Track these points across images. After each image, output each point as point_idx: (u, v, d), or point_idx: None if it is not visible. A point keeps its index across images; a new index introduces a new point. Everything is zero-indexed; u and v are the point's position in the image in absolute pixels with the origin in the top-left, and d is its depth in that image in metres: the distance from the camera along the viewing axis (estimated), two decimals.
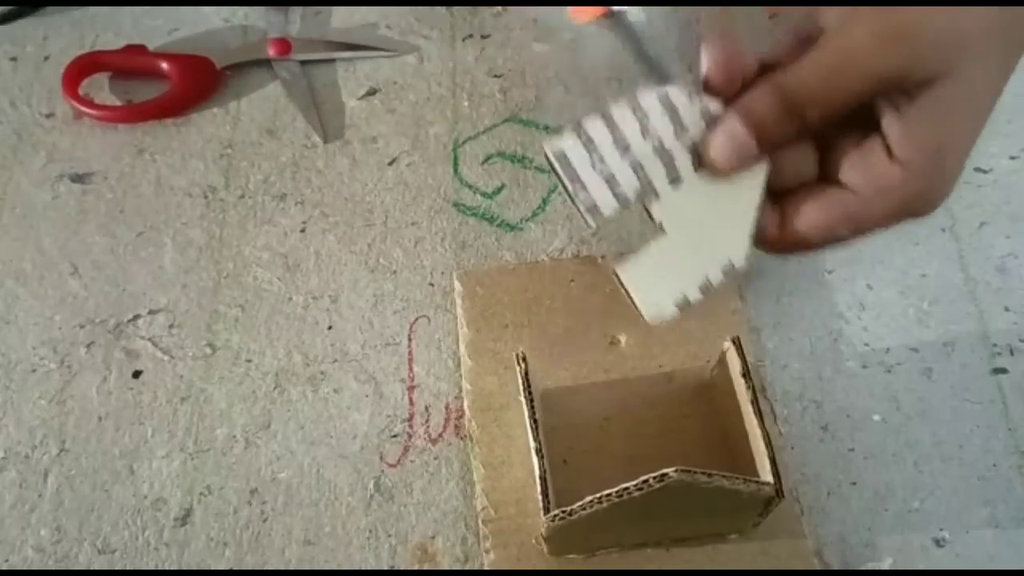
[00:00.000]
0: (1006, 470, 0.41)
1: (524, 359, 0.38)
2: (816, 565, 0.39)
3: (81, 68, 0.52)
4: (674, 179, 0.37)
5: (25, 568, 0.40)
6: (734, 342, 0.38)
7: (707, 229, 0.38)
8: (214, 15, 0.55)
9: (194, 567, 0.40)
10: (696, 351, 0.43)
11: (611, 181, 0.37)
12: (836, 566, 0.39)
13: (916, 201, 0.37)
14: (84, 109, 0.51)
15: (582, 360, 0.43)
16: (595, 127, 0.37)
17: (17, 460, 0.42)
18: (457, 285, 0.46)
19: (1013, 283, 0.46)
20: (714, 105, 0.37)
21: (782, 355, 0.44)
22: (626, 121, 0.37)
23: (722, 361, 0.40)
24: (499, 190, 0.49)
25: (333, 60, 0.53)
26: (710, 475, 0.33)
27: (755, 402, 0.36)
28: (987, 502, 0.41)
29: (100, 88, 0.53)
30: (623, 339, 0.44)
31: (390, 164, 0.50)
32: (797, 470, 0.41)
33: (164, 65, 0.52)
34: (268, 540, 0.41)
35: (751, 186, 0.37)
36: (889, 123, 0.36)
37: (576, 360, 0.43)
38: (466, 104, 0.52)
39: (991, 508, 0.40)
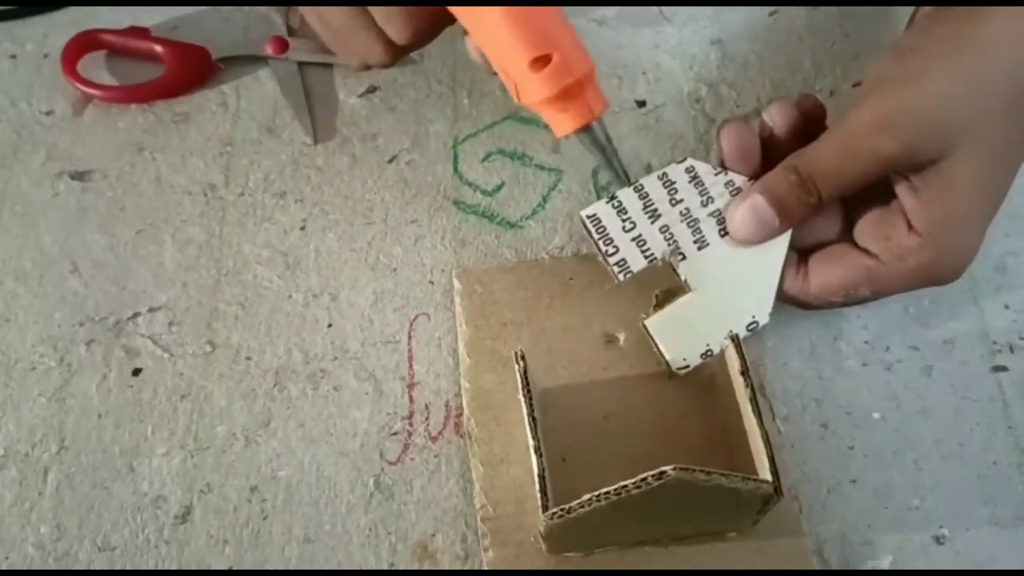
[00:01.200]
0: (1006, 468, 0.41)
1: (523, 358, 0.38)
2: (815, 563, 0.39)
3: (80, 45, 0.53)
4: (700, 243, 0.40)
5: (25, 565, 0.40)
6: (733, 340, 0.38)
7: (732, 289, 0.41)
8: (215, 14, 0.55)
9: (194, 565, 0.40)
10: None
11: (641, 243, 0.40)
12: (835, 564, 0.39)
13: (934, 269, 0.39)
14: (78, 86, 0.52)
15: (581, 358, 0.43)
16: (626, 195, 0.41)
17: (17, 458, 0.43)
18: (456, 283, 0.46)
19: (1013, 281, 0.46)
20: (739, 179, 0.41)
21: (782, 353, 0.44)
22: (655, 190, 0.41)
23: (721, 359, 0.40)
24: (499, 188, 0.49)
25: (329, 64, 0.53)
26: (708, 473, 0.33)
27: (754, 400, 0.36)
28: (987, 500, 0.41)
29: (96, 69, 0.53)
30: (622, 337, 0.44)
31: (390, 162, 0.50)
32: (797, 468, 0.41)
33: (158, 48, 0.52)
34: (268, 538, 0.41)
35: (774, 250, 0.41)
36: (904, 195, 0.38)
37: (575, 358, 0.43)
38: (466, 102, 0.52)
39: (991, 506, 0.40)
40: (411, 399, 0.44)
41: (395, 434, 0.43)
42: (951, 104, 0.36)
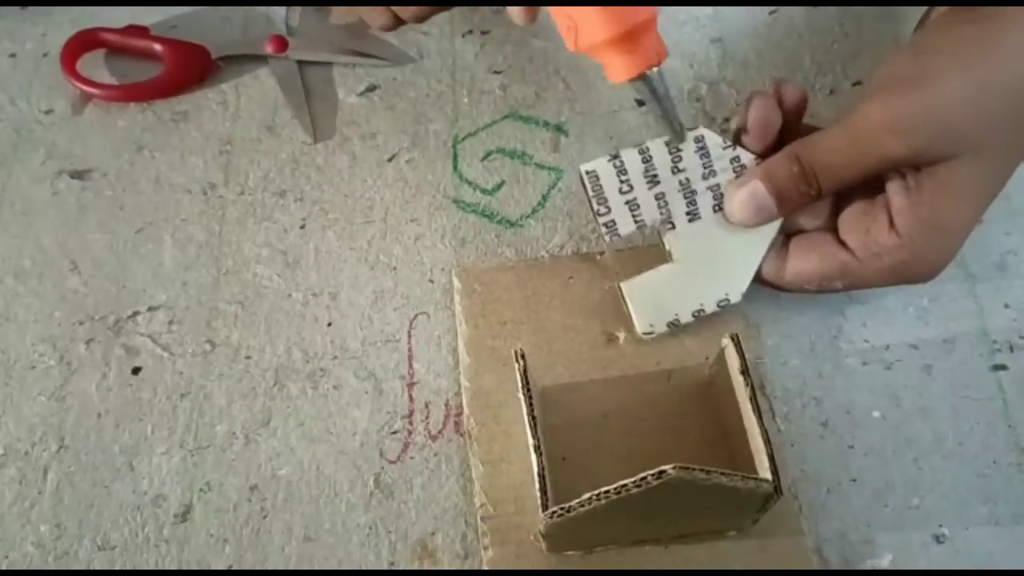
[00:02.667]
0: (1006, 467, 0.41)
1: (523, 356, 0.38)
2: (815, 562, 0.39)
3: (80, 44, 0.53)
4: (692, 216, 0.40)
5: (25, 564, 0.40)
6: (733, 339, 0.38)
7: (713, 265, 0.42)
8: (214, 12, 0.55)
9: (194, 564, 0.40)
10: (695, 348, 0.43)
11: (634, 207, 0.40)
12: (835, 563, 0.39)
13: (909, 269, 0.39)
14: (78, 84, 0.52)
15: (581, 357, 0.43)
16: (630, 157, 0.41)
17: (17, 457, 0.43)
18: (455, 282, 0.46)
19: (1013, 280, 0.45)
20: (746, 156, 0.41)
21: (782, 352, 0.44)
22: (660, 156, 0.41)
23: (721, 358, 0.40)
24: (499, 187, 0.49)
25: (329, 63, 0.53)
26: (708, 472, 0.33)
27: (753, 399, 0.36)
28: (987, 499, 0.40)
29: (95, 68, 0.53)
30: (622, 336, 0.44)
31: (389, 161, 0.50)
32: (797, 467, 0.41)
33: (158, 47, 0.52)
34: (268, 537, 0.41)
35: (763, 233, 0.41)
36: (894, 193, 0.39)
37: (575, 357, 0.43)
38: (466, 100, 0.52)
39: (991, 505, 0.40)
40: (411, 398, 0.44)
41: (395, 433, 0.43)
42: (964, 108, 0.36)
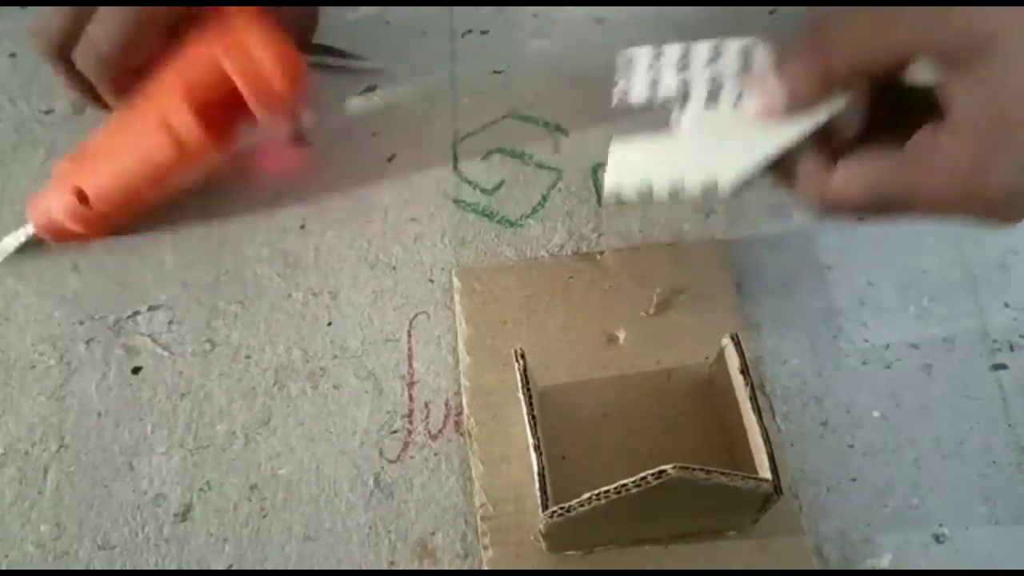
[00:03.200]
0: (1006, 467, 0.41)
1: (523, 356, 0.38)
2: (815, 562, 0.39)
3: None
4: (711, 104, 0.38)
5: (25, 564, 0.40)
6: (733, 339, 0.38)
7: (711, 145, 0.38)
8: None
9: (194, 563, 0.40)
10: (695, 348, 0.43)
11: (653, 83, 0.38)
12: (835, 563, 0.39)
13: (972, 181, 0.33)
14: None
15: (581, 357, 0.43)
16: (671, 48, 0.38)
17: (17, 456, 0.43)
18: (455, 281, 0.46)
19: (1013, 279, 0.45)
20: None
21: (782, 351, 0.44)
22: (700, 53, 0.38)
23: (721, 358, 0.40)
24: (499, 186, 0.49)
25: (329, 63, 0.53)
26: (708, 472, 0.33)
27: (753, 399, 0.36)
28: (987, 499, 0.40)
29: None
30: (622, 336, 0.44)
31: (390, 160, 0.50)
32: (796, 466, 0.41)
33: None
34: (268, 536, 0.41)
35: (778, 132, 0.37)
36: (950, 92, 0.33)
37: (575, 357, 0.43)
38: (466, 100, 0.52)
39: (991, 505, 0.40)
40: (411, 397, 0.44)
41: (395, 432, 0.43)
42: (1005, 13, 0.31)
